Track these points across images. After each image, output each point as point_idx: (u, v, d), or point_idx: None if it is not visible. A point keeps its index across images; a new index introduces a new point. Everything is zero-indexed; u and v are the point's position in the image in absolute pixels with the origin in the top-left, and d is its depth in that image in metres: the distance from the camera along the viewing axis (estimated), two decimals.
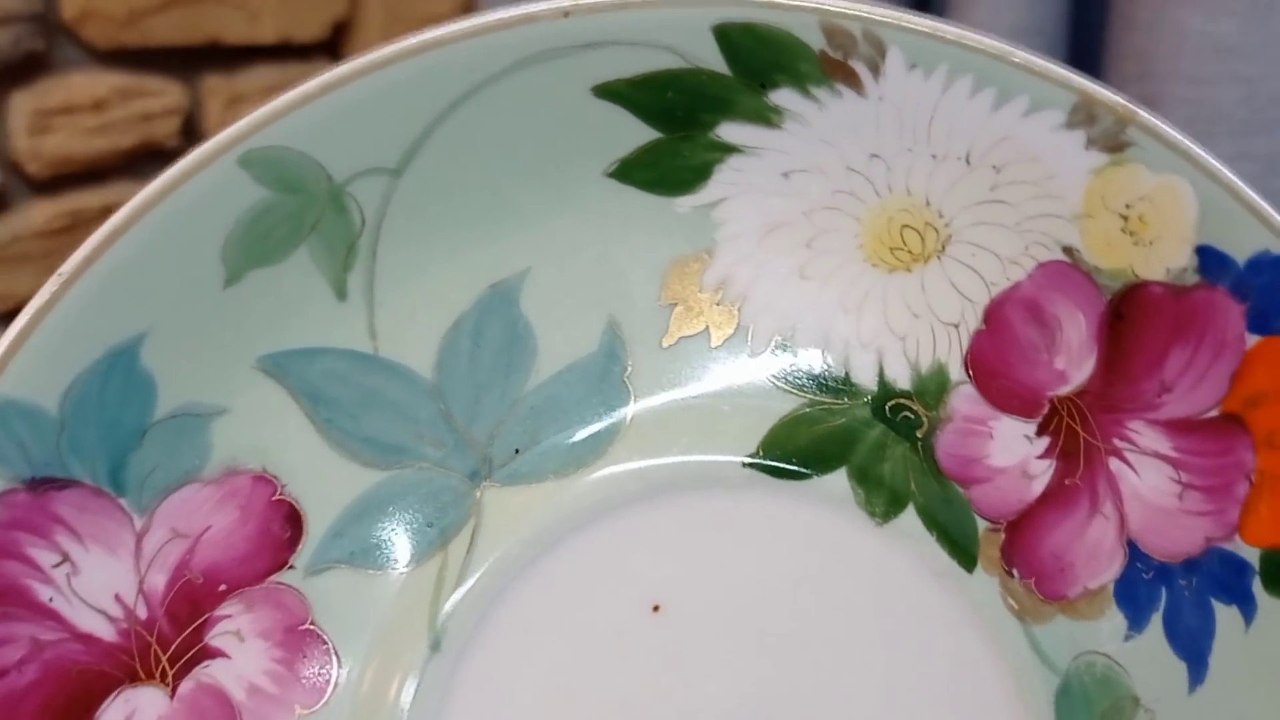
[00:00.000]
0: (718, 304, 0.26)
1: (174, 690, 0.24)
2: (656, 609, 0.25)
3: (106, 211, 0.22)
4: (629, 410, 0.26)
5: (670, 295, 0.26)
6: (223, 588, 0.24)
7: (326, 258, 0.24)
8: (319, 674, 0.25)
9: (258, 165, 0.23)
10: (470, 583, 0.25)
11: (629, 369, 0.26)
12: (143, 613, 0.24)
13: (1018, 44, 0.24)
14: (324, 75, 0.23)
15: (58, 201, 0.65)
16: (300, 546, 0.25)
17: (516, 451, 0.25)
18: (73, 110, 0.64)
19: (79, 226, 0.64)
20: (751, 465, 0.25)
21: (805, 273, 0.25)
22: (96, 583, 0.24)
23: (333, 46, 0.75)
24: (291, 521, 0.25)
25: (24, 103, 0.63)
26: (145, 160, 0.66)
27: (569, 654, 0.25)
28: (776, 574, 0.25)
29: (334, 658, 0.25)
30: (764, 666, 0.25)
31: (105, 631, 0.24)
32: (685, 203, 0.25)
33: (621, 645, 0.25)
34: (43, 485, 0.23)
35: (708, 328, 0.26)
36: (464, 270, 0.25)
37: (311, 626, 0.25)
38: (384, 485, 0.25)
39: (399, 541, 0.25)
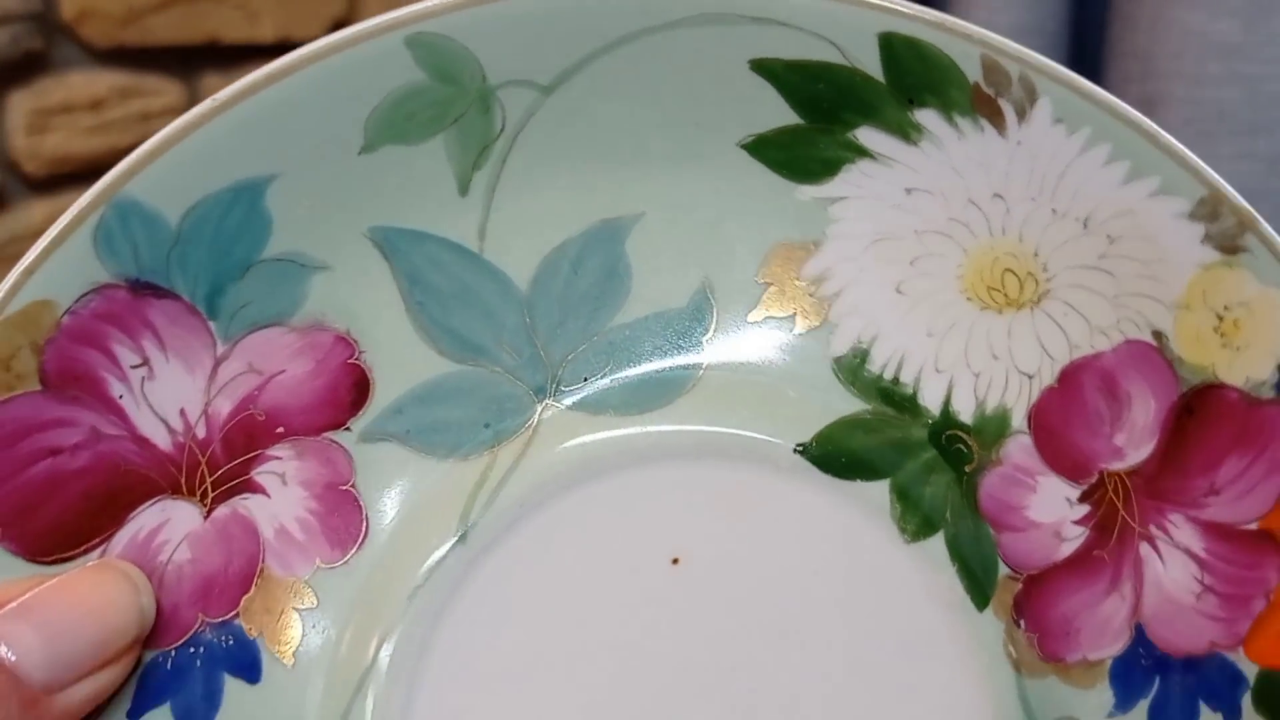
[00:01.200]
0: (810, 295, 0.26)
1: (209, 512, 0.25)
2: (675, 562, 0.26)
3: None
4: (700, 371, 0.26)
5: (768, 275, 0.26)
6: (280, 430, 0.25)
7: (459, 152, 0.25)
8: (346, 534, 0.26)
9: (422, 48, 0.24)
10: (510, 489, 0.25)
11: (711, 332, 0.26)
12: (201, 432, 0.25)
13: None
14: None
15: (56, 201, 0.64)
16: (361, 412, 0.26)
17: (585, 379, 0.26)
18: (71, 109, 0.63)
19: None
20: (801, 453, 0.26)
21: (901, 288, 0.26)
22: (167, 393, 0.25)
23: None
24: (359, 387, 0.26)
25: (22, 102, 0.62)
26: None
27: (581, 576, 0.25)
28: (797, 561, 0.26)
29: (364, 523, 0.26)
30: (754, 645, 0.26)
31: (162, 440, 0.25)
32: (807, 191, 0.26)
33: (632, 584, 0.25)
34: (143, 289, 0.24)
35: (795, 314, 0.26)
36: (581, 198, 0.26)
37: (351, 489, 0.26)
38: (453, 377, 0.26)
39: (453, 433, 0.26)
